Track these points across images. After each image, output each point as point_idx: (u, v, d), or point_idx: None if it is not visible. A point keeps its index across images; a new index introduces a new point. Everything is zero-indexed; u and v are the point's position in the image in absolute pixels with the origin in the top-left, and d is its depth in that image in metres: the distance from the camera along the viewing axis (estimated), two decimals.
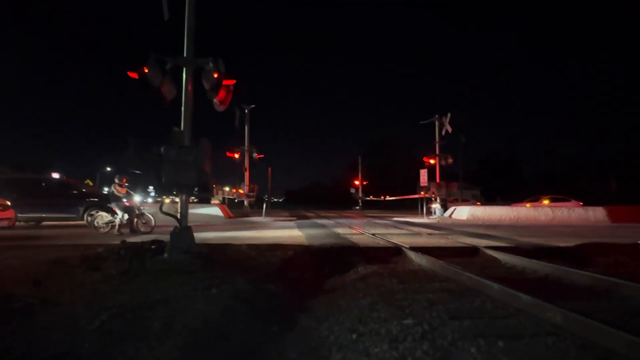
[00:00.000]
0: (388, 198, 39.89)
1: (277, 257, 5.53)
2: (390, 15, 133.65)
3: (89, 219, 11.33)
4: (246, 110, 21.11)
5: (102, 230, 9.93)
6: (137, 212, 10.09)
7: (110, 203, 10.03)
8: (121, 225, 9.82)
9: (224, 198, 23.80)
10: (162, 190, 4.87)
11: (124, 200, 9.95)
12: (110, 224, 9.95)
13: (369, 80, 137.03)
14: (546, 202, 23.65)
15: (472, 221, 16.84)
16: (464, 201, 31.22)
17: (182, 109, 5.17)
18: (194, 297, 3.30)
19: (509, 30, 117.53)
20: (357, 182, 45.86)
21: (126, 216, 9.87)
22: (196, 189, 5.00)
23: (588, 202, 22.25)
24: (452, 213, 19.66)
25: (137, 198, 10.34)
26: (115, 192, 9.86)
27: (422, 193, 20.30)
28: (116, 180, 10.00)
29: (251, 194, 21.23)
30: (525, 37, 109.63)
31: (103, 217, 10.08)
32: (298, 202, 77.92)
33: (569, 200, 23.43)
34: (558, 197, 24.41)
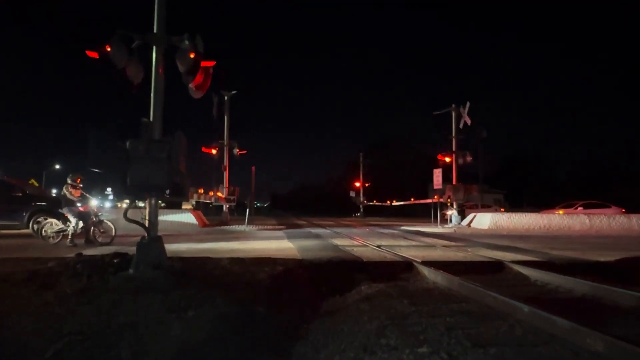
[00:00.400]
0: (395, 203, 40.01)
1: (265, 273, 5.55)
2: (389, 16, 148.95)
3: (36, 226, 11.22)
4: (226, 98, 21.04)
5: (51, 240, 9.85)
6: (94, 218, 10.03)
7: (61, 208, 9.96)
8: (75, 234, 9.75)
9: (197, 202, 23.71)
10: (127, 193, 4.86)
11: (79, 204, 9.89)
12: (61, 233, 9.88)
13: (368, 81, 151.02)
14: (582, 208, 23.94)
15: (495, 231, 16.98)
16: (485, 207, 31.48)
17: (152, 95, 5.17)
18: (167, 320, 3.31)
19: (509, 30, 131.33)
20: (358, 184, 45.94)
21: (81, 224, 9.80)
22: (168, 192, 5.00)
23: (631, 209, 22.56)
24: (471, 221, 19.79)
25: (94, 202, 10.28)
26: (68, 195, 9.79)
27: (435, 197, 20.39)
28: (69, 181, 9.92)
29: (231, 197, 21.17)
30: (526, 37, 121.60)
31: (53, 224, 10.00)
32: (286, 208, 77.92)
33: (608, 207, 23.73)
34: (595, 202, 24.71)
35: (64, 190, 9.87)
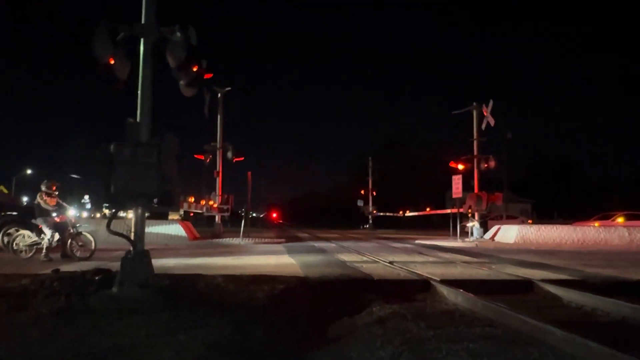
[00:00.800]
0: (408, 213, 40.00)
1: (264, 292, 5.56)
2: (389, 16, 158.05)
3: (6, 239, 11.24)
4: (219, 95, 21.11)
5: (23, 254, 9.90)
6: (71, 230, 10.07)
7: (35, 218, 10.01)
8: (50, 248, 9.80)
9: (185, 212, 23.75)
10: (111, 202, 4.90)
11: (54, 214, 9.94)
12: (35, 247, 9.93)
13: (368, 82, 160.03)
14: (620, 220, 23.83)
15: (522, 245, 16.92)
16: (511, 218, 31.37)
17: (139, 92, 5.23)
18: (155, 345, 3.33)
19: (510, 30, 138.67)
20: (370, 193, 45.72)
21: (57, 236, 9.85)
22: (156, 200, 5.04)
23: None
24: (494, 234, 19.74)
25: (71, 212, 10.33)
26: (43, 204, 9.84)
27: (454, 207, 20.36)
28: (43, 188, 9.97)
29: (225, 207, 21.20)
30: (527, 37, 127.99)
31: (25, 237, 10.05)
32: (284, 219, 78.07)
33: None
34: (636, 214, 24.58)
35: (38, 198, 9.93)
